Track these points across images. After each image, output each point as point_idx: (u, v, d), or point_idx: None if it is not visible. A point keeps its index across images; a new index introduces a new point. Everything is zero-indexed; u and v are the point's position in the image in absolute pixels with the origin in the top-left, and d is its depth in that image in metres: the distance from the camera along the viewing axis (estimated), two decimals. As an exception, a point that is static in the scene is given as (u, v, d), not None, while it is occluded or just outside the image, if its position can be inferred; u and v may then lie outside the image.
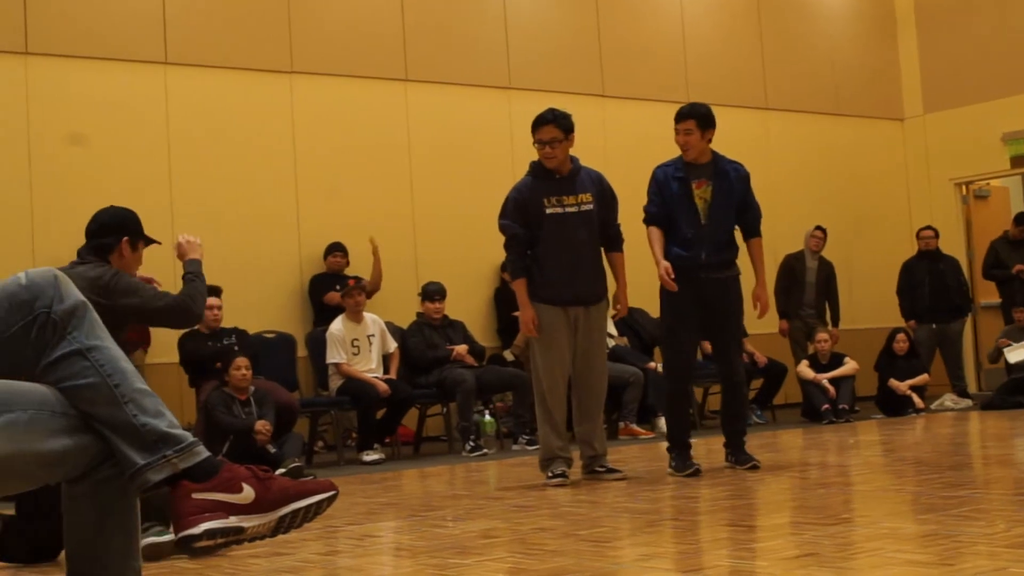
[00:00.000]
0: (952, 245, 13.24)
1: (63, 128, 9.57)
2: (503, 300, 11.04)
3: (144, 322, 5.42)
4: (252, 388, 8.18)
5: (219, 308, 8.93)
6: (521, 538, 4.55)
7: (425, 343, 9.83)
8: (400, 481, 7.68)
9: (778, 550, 3.80)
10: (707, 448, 7.82)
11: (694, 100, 7.20)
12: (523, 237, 6.58)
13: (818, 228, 12.11)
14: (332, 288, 10.13)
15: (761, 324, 11.76)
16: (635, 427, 10.12)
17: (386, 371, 9.55)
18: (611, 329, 10.13)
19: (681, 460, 6.56)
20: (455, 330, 10.02)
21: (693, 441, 6.77)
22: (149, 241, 5.14)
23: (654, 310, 7.71)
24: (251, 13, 10.56)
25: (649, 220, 6.75)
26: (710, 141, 6.73)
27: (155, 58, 10.05)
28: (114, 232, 4.98)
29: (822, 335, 11.22)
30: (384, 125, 11.08)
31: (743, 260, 6.86)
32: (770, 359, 11.33)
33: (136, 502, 2.75)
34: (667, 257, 6.61)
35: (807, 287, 12.00)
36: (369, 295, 9.96)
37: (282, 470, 7.46)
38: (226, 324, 9.04)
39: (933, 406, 11.49)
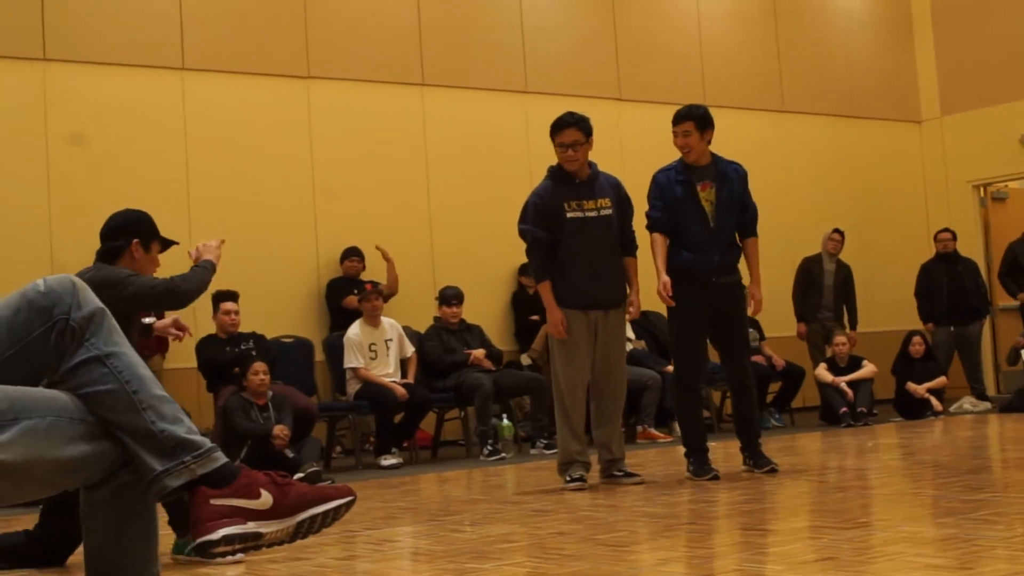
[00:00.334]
0: (970, 247, 13.19)
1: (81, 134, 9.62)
2: (520, 304, 11.05)
3: (139, 308, 5.12)
4: (270, 393, 8.18)
5: (236, 313, 8.93)
6: (539, 542, 4.56)
7: (442, 347, 9.83)
8: (418, 485, 7.68)
9: (796, 554, 3.79)
10: (725, 452, 7.79)
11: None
12: (546, 241, 6.56)
13: (836, 231, 12.09)
14: (349, 292, 10.15)
15: (779, 327, 11.85)
16: (653, 431, 10.10)
17: (404, 375, 9.56)
18: (629, 333, 10.12)
19: (699, 465, 6.53)
20: (472, 334, 10.02)
21: (711, 445, 6.75)
22: (165, 242, 5.03)
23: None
24: (268, 18, 10.59)
25: (653, 226, 6.65)
26: (709, 142, 6.67)
27: (172, 64, 10.08)
28: (124, 235, 4.91)
29: (840, 338, 11.21)
30: (401, 129, 11.09)
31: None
32: (788, 362, 11.34)
33: (155, 508, 2.76)
34: (675, 262, 6.56)
35: (825, 290, 11.98)
36: (386, 299, 9.97)
37: (300, 475, 7.44)
38: (244, 329, 9.03)
39: (952, 409, 11.45)
